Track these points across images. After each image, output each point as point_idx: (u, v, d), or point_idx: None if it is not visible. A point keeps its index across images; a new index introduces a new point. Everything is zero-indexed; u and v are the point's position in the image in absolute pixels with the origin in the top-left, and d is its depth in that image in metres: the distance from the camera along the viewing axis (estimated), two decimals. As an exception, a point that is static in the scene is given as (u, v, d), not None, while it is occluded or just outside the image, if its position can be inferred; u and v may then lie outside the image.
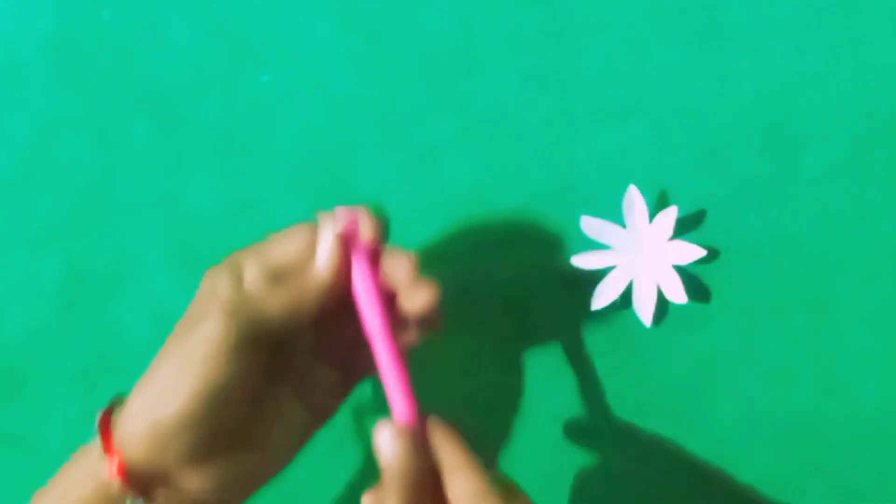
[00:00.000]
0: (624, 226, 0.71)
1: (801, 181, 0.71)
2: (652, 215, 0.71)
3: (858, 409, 0.69)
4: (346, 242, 0.62)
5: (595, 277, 0.71)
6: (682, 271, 0.71)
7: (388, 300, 0.63)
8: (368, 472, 0.72)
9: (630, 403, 0.72)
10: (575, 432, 0.72)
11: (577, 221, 0.72)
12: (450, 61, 0.74)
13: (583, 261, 0.71)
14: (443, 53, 0.74)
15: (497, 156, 0.74)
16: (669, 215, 0.70)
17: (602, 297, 0.71)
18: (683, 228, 0.72)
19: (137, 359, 0.76)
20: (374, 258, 0.63)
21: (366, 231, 0.62)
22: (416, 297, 0.62)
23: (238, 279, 0.62)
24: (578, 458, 0.71)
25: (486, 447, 0.71)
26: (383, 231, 0.62)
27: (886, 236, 0.70)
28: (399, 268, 0.62)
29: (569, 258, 0.72)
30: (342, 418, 0.69)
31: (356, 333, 0.62)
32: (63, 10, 0.77)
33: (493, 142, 0.74)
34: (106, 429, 0.63)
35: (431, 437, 0.61)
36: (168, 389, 0.61)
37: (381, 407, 0.64)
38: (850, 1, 0.71)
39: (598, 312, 0.72)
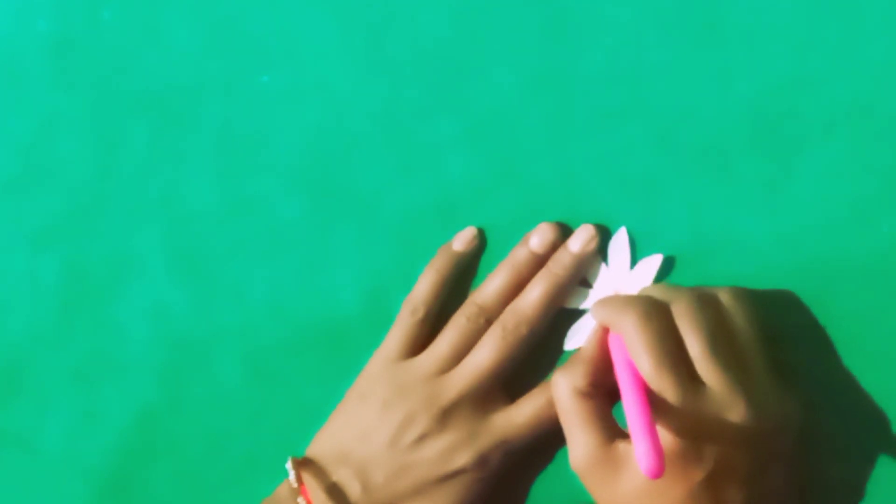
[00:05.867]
0: (607, 263, 0.72)
1: (801, 181, 0.71)
2: (638, 248, 0.71)
3: (856, 408, 0.69)
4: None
5: (573, 313, 0.72)
6: None
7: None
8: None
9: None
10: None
11: (576, 222, 0.72)
12: (450, 61, 0.74)
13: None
14: (443, 53, 0.74)
15: (497, 156, 0.73)
16: (651, 264, 0.71)
17: (574, 339, 0.72)
18: (664, 273, 0.71)
19: (137, 359, 0.76)
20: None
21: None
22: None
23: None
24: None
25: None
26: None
27: (886, 236, 0.70)
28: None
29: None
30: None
31: None
32: (63, 10, 0.77)
33: (493, 142, 0.74)
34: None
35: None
36: None
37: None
38: (850, 1, 0.70)
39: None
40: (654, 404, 0.62)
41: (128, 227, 0.76)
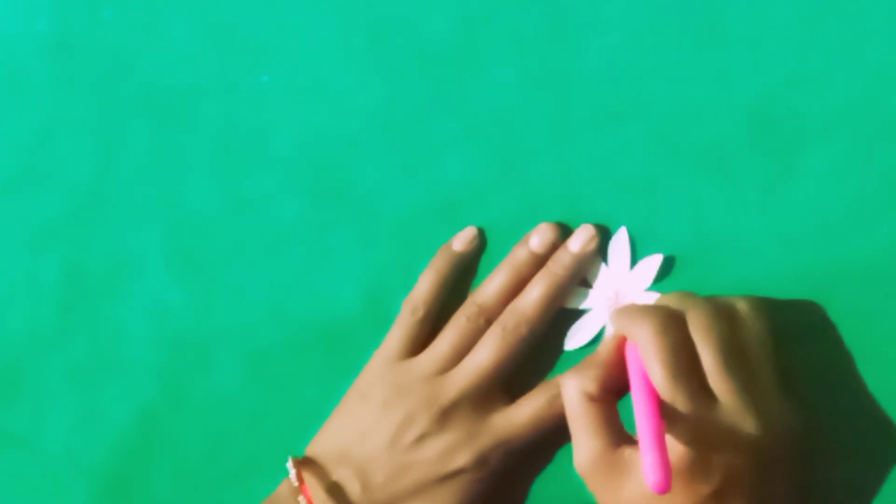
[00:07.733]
0: (607, 263, 0.72)
1: (801, 181, 0.71)
2: (638, 248, 0.71)
3: (858, 408, 0.69)
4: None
5: (573, 313, 0.72)
6: None
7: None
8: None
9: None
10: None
11: (576, 222, 0.72)
12: (450, 61, 0.74)
13: None
14: (443, 53, 0.74)
15: (497, 156, 0.73)
16: (651, 264, 0.71)
17: (574, 338, 0.72)
18: (664, 273, 0.71)
19: (137, 359, 0.77)
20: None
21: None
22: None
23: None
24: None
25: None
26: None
27: (886, 236, 0.70)
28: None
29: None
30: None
31: None
32: (63, 10, 0.77)
33: (493, 142, 0.74)
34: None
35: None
36: None
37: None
38: (851, 1, 0.70)
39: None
40: (666, 416, 0.62)
41: (128, 227, 0.76)
